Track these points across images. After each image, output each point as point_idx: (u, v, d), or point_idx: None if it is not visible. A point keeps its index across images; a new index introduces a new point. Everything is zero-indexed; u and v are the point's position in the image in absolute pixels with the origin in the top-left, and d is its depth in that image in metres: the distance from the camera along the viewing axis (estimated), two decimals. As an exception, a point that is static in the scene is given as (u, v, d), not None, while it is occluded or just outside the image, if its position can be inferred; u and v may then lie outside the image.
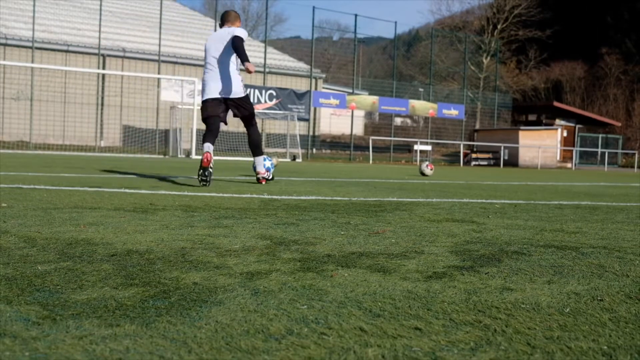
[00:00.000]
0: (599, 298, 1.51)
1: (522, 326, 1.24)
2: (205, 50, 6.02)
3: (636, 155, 29.60)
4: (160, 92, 22.18)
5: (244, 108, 5.88)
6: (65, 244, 2.05)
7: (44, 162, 9.86)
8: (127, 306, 1.29)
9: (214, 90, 5.78)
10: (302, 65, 28.44)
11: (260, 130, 24.62)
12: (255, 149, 6.00)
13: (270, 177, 6.22)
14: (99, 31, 22.56)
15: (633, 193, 6.69)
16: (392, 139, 27.93)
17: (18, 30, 22.71)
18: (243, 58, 5.73)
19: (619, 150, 32.84)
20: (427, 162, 10.80)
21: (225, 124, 6.02)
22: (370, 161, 23.65)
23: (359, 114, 34.76)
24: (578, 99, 46.18)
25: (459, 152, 27.09)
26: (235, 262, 1.83)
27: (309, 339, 1.11)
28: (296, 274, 1.69)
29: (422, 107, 27.04)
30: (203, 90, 5.89)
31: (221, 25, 6.22)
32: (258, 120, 24.75)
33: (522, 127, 29.07)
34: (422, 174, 10.05)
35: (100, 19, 22.59)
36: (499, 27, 41.37)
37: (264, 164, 6.06)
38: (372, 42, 54.42)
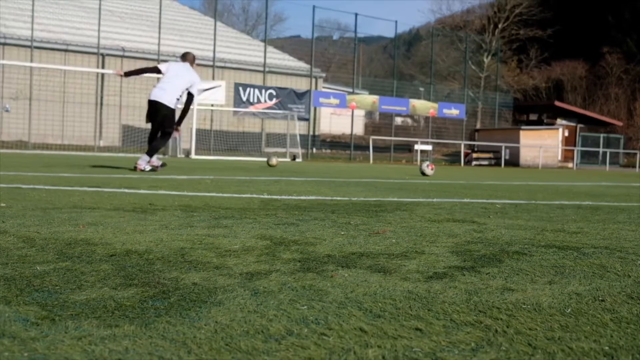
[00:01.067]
0: (600, 298, 1.50)
1: (523, 327, 1.24)
2: (167, 70, 7.80)
3: (638, 155, 29.57)
4: (160, 91, 22.13)
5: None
6: (64, 244, 2.05)
7: (43, 161, 9.86)
8: (126, 306, 1.29)
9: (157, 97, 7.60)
10: (302, 65, 28.43)
11: (260, 130, 24.56)
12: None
13: (149, 168, 7.62)
14: (98, 30, 22.56)
15: (635, 193, 6.69)
16: (393, 138, 27.93)
17: (17, 30, 22.71)
18: (181, 119, 7.83)
19: (621, 150, 32.83)
20: (427, 162, 10.80)
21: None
22: (371, 161, 23.65)
23: (359, 113, 34.76)
24: (579, 98, 46.16)
25: (460, 151, 27.08)
26: (235, 262, 1.83)
27: (309, 340, 1.11)
28: (296, 274, 1.68)
29: (423, 106, 27.04)
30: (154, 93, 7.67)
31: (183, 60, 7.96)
32: (258, 120, 24.76)
33: (523, 127, 29.06)
34: (423, 173, 10.06)
35: (99, 18, 22.58)
36: (499, 26, 41.36)
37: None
38: (372, 41, 54.45)
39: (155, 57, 23.93)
